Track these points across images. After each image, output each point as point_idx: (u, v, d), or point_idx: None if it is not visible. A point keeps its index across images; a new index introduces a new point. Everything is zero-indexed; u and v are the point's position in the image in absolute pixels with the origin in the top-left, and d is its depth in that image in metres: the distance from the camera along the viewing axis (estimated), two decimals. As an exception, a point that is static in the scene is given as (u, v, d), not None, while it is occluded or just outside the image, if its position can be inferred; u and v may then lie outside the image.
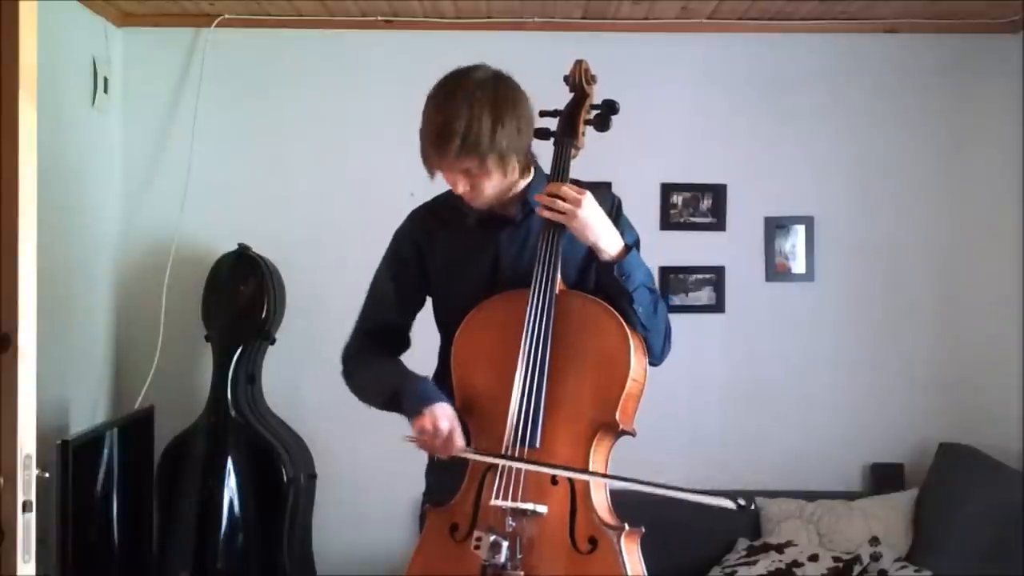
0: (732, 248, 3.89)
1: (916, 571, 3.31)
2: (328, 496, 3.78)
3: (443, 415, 1.86)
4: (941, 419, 3.80)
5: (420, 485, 2.16)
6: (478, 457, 1.87)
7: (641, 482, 1.78)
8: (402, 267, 2.12)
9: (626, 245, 1.94)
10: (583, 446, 1.85)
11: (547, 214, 1.90)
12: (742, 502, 1.69)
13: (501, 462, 1.84)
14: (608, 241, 1.92)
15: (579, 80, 2.05)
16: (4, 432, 1.61)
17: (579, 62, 2.06)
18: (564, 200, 1.88)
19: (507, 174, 1.93)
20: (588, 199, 1.89)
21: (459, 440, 1.86)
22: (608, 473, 1.89)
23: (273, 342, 3.70)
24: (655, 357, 2.00)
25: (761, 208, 3.89)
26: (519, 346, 1.87)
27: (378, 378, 2.03)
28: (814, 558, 3.41)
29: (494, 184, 1.93)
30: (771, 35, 3.86)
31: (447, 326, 2.03)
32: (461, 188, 1.92)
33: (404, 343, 2.14)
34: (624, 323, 1.88)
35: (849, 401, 3.86)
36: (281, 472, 3.52)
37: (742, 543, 3.60)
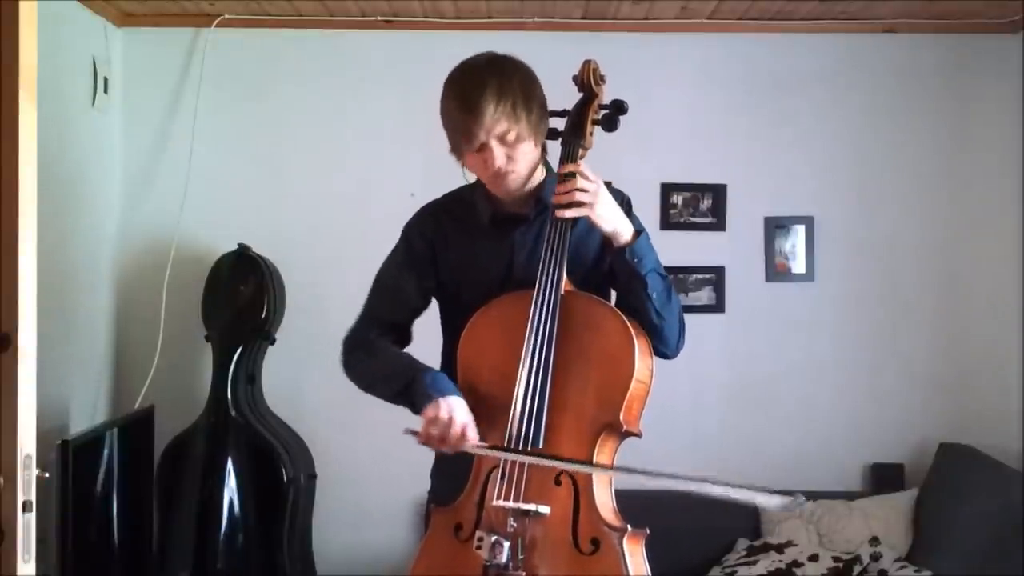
0: (732, 248, 3.90)
1: (916, 571, 3.31)
2: (328, 496, 3.78)
3: (459, 406, 1.83)
4: (941, 419, 3.80)
5: (421, 485, 2.15)
6: (487, 451, 1.84)
7: (647, 472, 1.73)
8: (413, 263, 2.09)
9: (636, 230, 1.93)
10: (586, 447, 1.84)
11: (569, 214, 1.87)
12: (797, 495, 1.61)
13: (508, 456, 1.82)
14: (623, 227, 1.91)
15: (588, 80, 2.03)
16: (4, 432, 1.61)
17: (587, 62, 2.04)
18: (584, 191, 1.86)
19: (536, 144, 1.93)
20: (602, 186, 1.90)
21: (473, 434, 1.82)
22: (610, 471, 1.89)
23: (273, 342, 3.70)
24: (671, 348, 1.98)
25: (761, 208, 3.89)
26: (524, 347, 1.87)
27: (389, 368, 1.99)
28: (814, 558, 3.41)
29: (527, 154, 1.91)
30: (771, 35, 3.86)
31: (456, 326, 2.00)
32: (498, 160, 1.88)
33: (407, 338, 2.12)
34: (629, 324, 1.87)
35: (849, 401, 3.86)
36: (281, 472, 3.52)
37: (742, 543, 3.60)
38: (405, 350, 2.08)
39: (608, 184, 1.98)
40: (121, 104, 3.84)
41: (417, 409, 1.87)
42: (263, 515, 3.55)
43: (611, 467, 1.85)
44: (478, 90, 1.83)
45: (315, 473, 3.75)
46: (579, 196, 1.86)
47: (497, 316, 1.95)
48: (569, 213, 1.87)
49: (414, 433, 1.84)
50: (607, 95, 2.06)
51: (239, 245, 3.68)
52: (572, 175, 1.88)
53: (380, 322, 2.09)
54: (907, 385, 3.86)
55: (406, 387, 1.91)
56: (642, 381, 1.88)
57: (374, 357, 2.04)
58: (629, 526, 1.81)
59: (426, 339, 2.14)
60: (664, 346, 1.97)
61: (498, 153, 1.88)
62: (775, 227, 3.90)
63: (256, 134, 3.88)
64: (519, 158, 1.90)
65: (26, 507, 1.62)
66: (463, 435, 1.81)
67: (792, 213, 3.89)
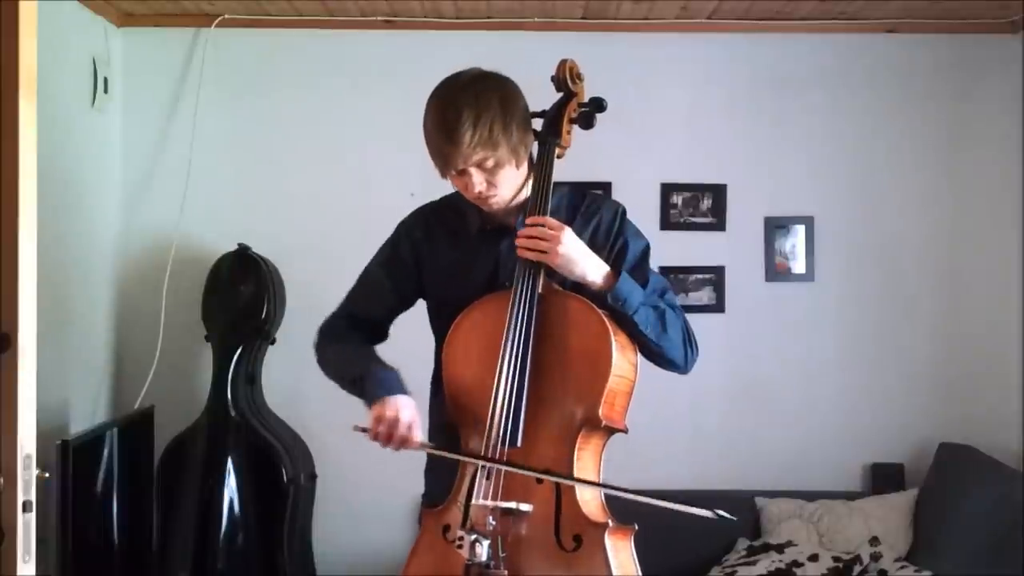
0: (732, 248, 3.89)
1: (916, 571, 3.31)
2: (328, 496, 3.78)
3: (405, 405, 1.86)
4: (941, 419, 3.80)
5: (420, 485, 2.15)
6: (437, 452, 1.89)
7: (607, 486, 1.81)
8: (398, 265, 2.12)
9: (615, 271, 1.92)
10: (566, 444, 1.84)
11: (529, 255, 1.88)
12: (721, 513, 1.65)
13: (452, 456, 1.86)
14: (595, 273, 1.90)
15: (564, 79, 2.04)
16: (4, 432, 1.61)
17: (563, 61, 2.05)
18: (542, 239, 1.86)
19: (519, 166, 1.93)
20: (567, 233, 1.87)
21: (417, 434, 1.85)
22: (599, 472, 1.89)
23: (273, 342, 3.70)
24: (679, 367, 1.99)
25: (761, 208, 3.89)
26: (502, 346, 1.87)
27: (348, 359, 2.03)
28: (814, 558, 3.41)
29: (508, 178, 1.92)
30: (771, 35, 3.86)
31: (442, 329, 2.02)
32: (477, 186, 1.90)
33: (383, 335, 2.15)
34: (607, 319, 1.86)
35: (849, 401, 3.86)
36: (281, 472, 3.52)
37: (742, 543, 3.60)
38: (378, 348, 2.10)
39: (603, 186, 1.98)
40: (121, 104, 3.84)
41: (367, 405, 1.90)
42: (263, 515, 3.55)
43: (552, 473, 1.81)
44: (454, 117, 1.83)
45: (315, 473, 3.75)
46: (539, 244, 1.86)
47: (478, 317, 1.95)
48: (529, 255, 1.88)
49: (363, 430, 1.86)
50: (603, 95, 2.06)
51: (239, 245, 3.68)
52: (536, 225, 1.89)
53: (355, 315, 2.13)
54: (907, 385, 3.86)
55: (357, 380, 1.95)
56: (623, 376, 1.88)
57: (338, 347, 2.08)
58: (611, 521, 1.81)
59: (419, 339, 2.14)
60: (671, 367, 1.98)
61: (477, 179, 1.89)
62: (775, 227, 3.90)
63: (256, 134, 3.88)
64: (500, 183, 1.91)
65: (26, 507, 1.63)
66: (407, 436, 1.84)
67: (792, 213, 3.89)
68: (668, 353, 1.95)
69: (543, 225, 1.88)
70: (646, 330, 1.90)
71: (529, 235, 1.88)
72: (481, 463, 1.83)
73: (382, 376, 1.92)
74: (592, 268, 1.90)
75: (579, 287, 1.92)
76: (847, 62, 3.88)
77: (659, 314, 1.93)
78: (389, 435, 1.84)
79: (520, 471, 1.80)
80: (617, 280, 1.89)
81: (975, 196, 3.86)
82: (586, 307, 1.88)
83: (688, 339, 1.99)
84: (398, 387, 1.90)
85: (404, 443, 1.85)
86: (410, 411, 1.86)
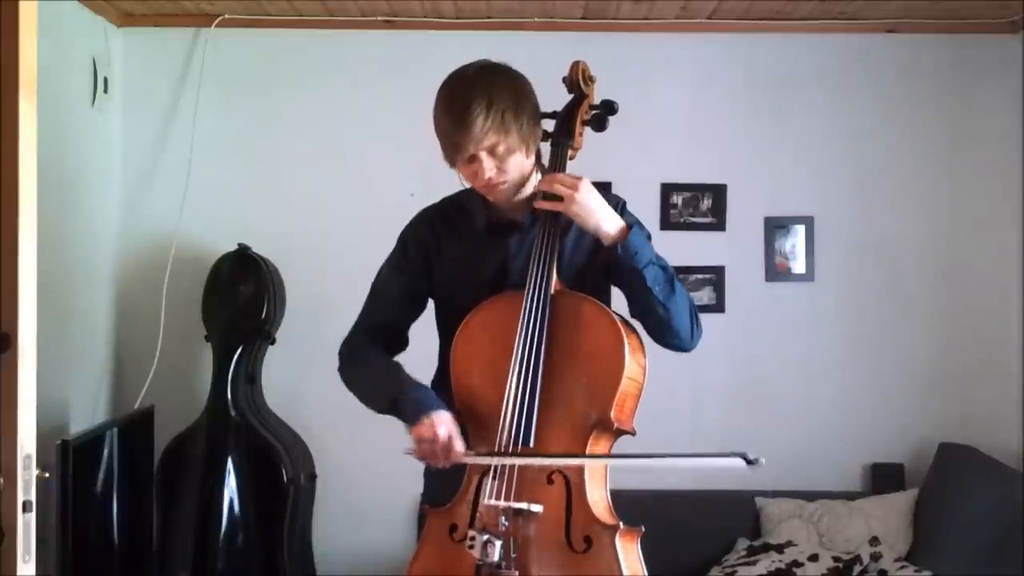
0: (732, 248, 3.90)
1: (916, 571, 3.31)
2: (328, 496, 3.78)
3: (441, 421, 1.85)
4: (941, 419, 3.80)
5: (420, 485, 2.15)
6: (479, 460, 1.87)
7: (636, 456, 1.82)
8: (408, 268, 2.11)
9: (628, 224, 1.93)
10: (578, 445, 1.84)
11: (545, 205, 1.89)
12: (751, 457, 1.65)
13: (501, 461, 1.84)
14: (610, 223, 1.91)
15: (577, 81, 2.05)
16: (4, 432, 1.61)
17: (576, 63, 2.06)
18: (561, 184, 1.88)
19: (528, 155, 1.94)
20: (585, 183, 1.89)
21: (459, 445, 1.85)
22: (606, 473, 1.89)
23: (273, 342, 3.70)
24: (685, 339, 1.98)
25: (761, 208, 3.89)
26: (514, 347, 1.87)
27: (377, 383, 2.02)
28: (814, 558, 3.41)
29: (518, 165, 1.92)
30: (771, 35, 3.86)
31: (450, 329, 2.01)
32: (488, 172, 1.89)
33: (403, 343, 2.14)
34: (619, 321, 1.87)
35: (849, 401, 3.86)
36: (281, 472, 3.52)
37: (742, 543, 3.60)
38: (403, 355, 2.09)
39: (603, 186, 1.98)
40: (121, 104, 3.84)
41: (407, 428, 1.90)
42: (263, 515, 3.55)
43: (589, 455, 1.84)
44: (466, 103, 1.84)
45: (315, 473, 3.75)
46: (556, 188, 1.88)
47: (488, 318, 1.95)
48: (545, 204, 1.90)
49: (412, 452, 1.88)
50: (602, 95, 2.07)
51: (239, 245, 3.68)
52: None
53: (373, 328, 2.11)
54: (907, 385, 3.86)
55: (392, 405, 1.94)
56: (633, 378, 1.88)
57: (364, 369, 2.06)
58: (622, 523, 1.82)
59: (426, 340, 2.14)
60: (676, 339, 1.97)
61: (488, 165, 1.89)
62: (775, 227, 3.90)
63: (256, 134, 3.88)
64: (510, 169, 1.92)
65: (26, 507, 1.63)
66: (449, 449, 1.84)
67: (792, 213, 3.89)
68: (675, 319, 1.94)
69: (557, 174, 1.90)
70: (654, 288, 1.90)
71: (547, 184, 1.88)
72: (519, 461, 1.82)
73: (416, 397, 1.91)
74: (607, 219, 1.91)
75: (586, 269, 1.94)
76: (847, 62, 3.88)
77: (668, 276, 1.94)
78: (433, 454, 1.85)
79: (550, 462, 1.80)
80: (629, 232, 1.91)
81: (975, 196, 3.86)
82: (599, 309, 1.89)
83: (693, 313, 1.99)
84: (434, 403, 1.89)
85: (448, 458, 1.84)
86: (447, 426, 1.85)
